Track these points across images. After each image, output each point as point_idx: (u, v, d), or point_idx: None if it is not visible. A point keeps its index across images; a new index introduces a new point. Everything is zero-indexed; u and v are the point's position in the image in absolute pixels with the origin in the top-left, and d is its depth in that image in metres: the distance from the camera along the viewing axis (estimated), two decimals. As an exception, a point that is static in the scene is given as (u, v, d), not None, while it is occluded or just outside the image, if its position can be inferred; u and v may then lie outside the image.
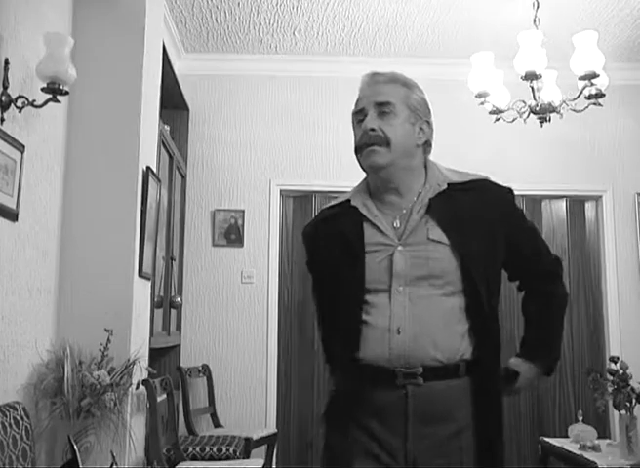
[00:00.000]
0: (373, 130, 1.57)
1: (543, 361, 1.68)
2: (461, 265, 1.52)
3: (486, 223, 1.57)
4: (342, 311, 1.59)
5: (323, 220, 1.72)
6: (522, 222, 1.69)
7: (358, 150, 1.61)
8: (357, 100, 1.65)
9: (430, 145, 1.67)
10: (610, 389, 3.55)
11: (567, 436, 3.89)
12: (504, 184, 1.68)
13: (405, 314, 1.50)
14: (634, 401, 3.47)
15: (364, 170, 1.64)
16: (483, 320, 1.54)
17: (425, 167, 1.65)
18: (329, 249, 1.64)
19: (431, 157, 1.69)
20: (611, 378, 3.55)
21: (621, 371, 3.52)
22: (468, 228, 1.54)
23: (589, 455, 3.48)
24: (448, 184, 1.60)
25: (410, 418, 1.48)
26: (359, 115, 1.62)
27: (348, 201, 1.66)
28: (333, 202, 1.72)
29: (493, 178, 1.68)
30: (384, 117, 1.58)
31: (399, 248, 1.55)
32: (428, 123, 1.64)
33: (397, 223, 1.58)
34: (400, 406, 1.49)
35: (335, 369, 1.68)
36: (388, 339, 1.50)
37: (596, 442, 3.66)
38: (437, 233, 1.54)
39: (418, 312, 1.50)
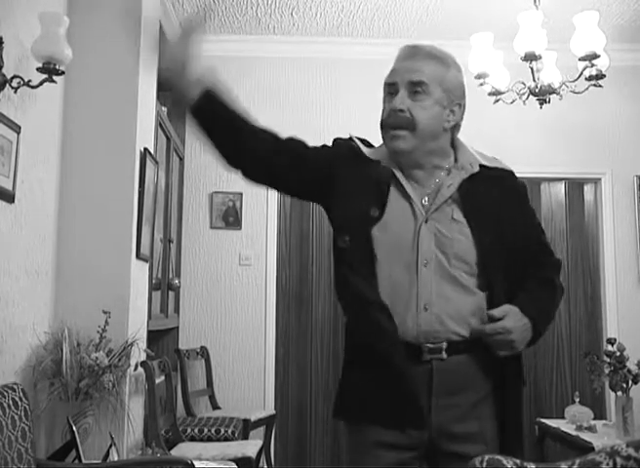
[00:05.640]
0: (401, 111, 1.54)
1: (538, 320, 1.55)
2: (479, 250, 1.53)
3: (506, 214, 1.58)
4: (351, 243, 1.56)
5: (357, 152, 1.65)
6: (533, 219, 1.71)
7: (383, 127, 1.59)
8: (391, 71, 1.60)
9: (459, 127, 1.65)
10: (606, 371, 3.57)
11: (563, 417, 3.91)
12: (505, 167, 1.68)
13: (431, 291, 1.51)
14: (630, 382, 3.49)
15: (387, 148, 1.62)
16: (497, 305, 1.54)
17: (453, 146, 1.64)
18: (356, 177, 1.60)
19: None
20: (608, 360, 3.57)
21: (618, 353, 3.54)
22: (490, 217, 1.56)
23: (585, 436, 3.51)
24: (480, 166, 1.60)
25: (434, 391, 1.51)
26: (390, 88, 1.59)
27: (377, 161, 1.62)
28: (362, 149, 1.66)
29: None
30: (416, 97, 1.55)
31: (425, 222, 1.55)
32: (460, 105, 1.61)
33: (426, 200, 1.57)
34: (425, 379, 1.51)
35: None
36: (416, 316, 1.51)
37: (592, 423, 3.69)
38: (460, 215, 1.55)
39: (443, 289, 1.52)
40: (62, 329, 2.91)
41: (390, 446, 1.52)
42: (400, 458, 1.52)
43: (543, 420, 4.03)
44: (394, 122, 1.55)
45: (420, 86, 1.54)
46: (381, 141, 1.64)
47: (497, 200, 1.59)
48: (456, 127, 1.63)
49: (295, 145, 1.69)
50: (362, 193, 1.57)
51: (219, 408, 4.60)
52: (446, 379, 1.51)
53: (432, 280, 1.52)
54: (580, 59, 3.33)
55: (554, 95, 3.64)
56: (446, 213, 1.55)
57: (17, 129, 2.60)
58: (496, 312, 1.51)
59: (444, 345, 1.50)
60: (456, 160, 1.62)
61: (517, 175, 1.71)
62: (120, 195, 3.18)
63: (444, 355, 1.50)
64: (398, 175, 1.59)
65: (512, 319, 1.51)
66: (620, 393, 3.53)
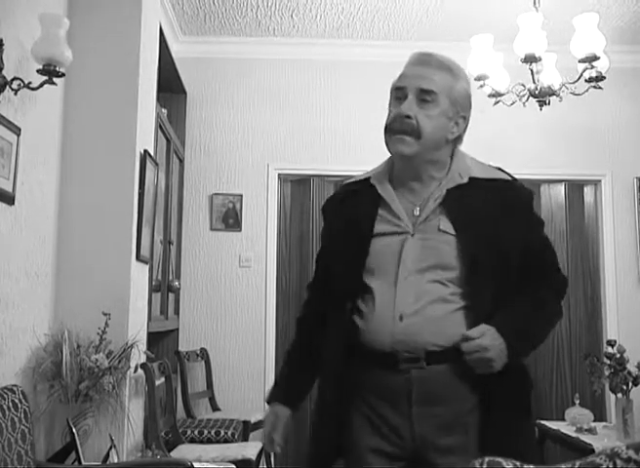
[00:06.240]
0: (408, 117, 1.54)
1: (513, 340, 1.48)
2: (465, 261, 1.51)
3: (500, 225, 1.54)
4: (339, 295, 1.60)
5: (341, 199, 1.71)
6: (537, 231, 1.65)
7: (388, 131, 1.59)
8: (401, 75, 1.60)
9: (461, 139, 1.64)
10: (607, 372, 3.56)
11: (563, 419, 3.91)
12: (505, 178, 1.64)
13: (409, 302, 1.51)
14: (630, 384, 3.49)
15: (389, 151, 1.62)
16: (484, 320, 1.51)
17: (452, 156, 1.62)
18: (340, 229, 1.65)
19: None
20: (608, 362, 3.56)
21: (618, 355, 3.54)
22: (479, 226, 1.53)
23: (585, 438, 3.50)
24: (470, 178, 1.58)
25: (414, 401, 1.50)
26: (399, 92, 1.58)
27: (368, 179, 1.66)
28: (354, 178, 1.72)
29: (507, 169, 1.66)
30: (424, 105, 1.54)
31: (411, 235, 1.55)
32: (464, 118, 1.61)
33: (417, 211, 1.57)
34: (404, 389, 1.50)
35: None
36: (391, 326, 1.50)
37: (592, 425, 3.69)
38: (447, 225, 1.54)
39: (421, 301, 1.51)
40: (62, 330, 2.91)
41: (379, 452, 1.52)
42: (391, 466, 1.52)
43: (543, 422, 4.02)
44: (399, 127, 1.55)
45: (429, 94, 1.54)
46: (380, 147, 1.65)
47: (490, 210, 1.54)
48: (458, 138, 1.62)
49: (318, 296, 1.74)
50: (346, 245, 1.61)
51: (218, 409, 4.60)
52: (425, 388, 1.49)
53: (411, 291, 1.51)
54: (579, 61, 3.33)
55: (554, 96, 3.64)
56: (433, 224, 1.55)
57: (17, 131, 2.59)
58: (471, 333, 1.47)
59: (422, 355, 1.49)
60: (448, 172, 1.61)
61: (517, 176, 1.66)
62: (120, 197, 3.18)
63: (423, 364, 1.49)
64: (382, 192, 1.60)
65: (489, 338, 1.46)
66: (620, 395, 3.52)
